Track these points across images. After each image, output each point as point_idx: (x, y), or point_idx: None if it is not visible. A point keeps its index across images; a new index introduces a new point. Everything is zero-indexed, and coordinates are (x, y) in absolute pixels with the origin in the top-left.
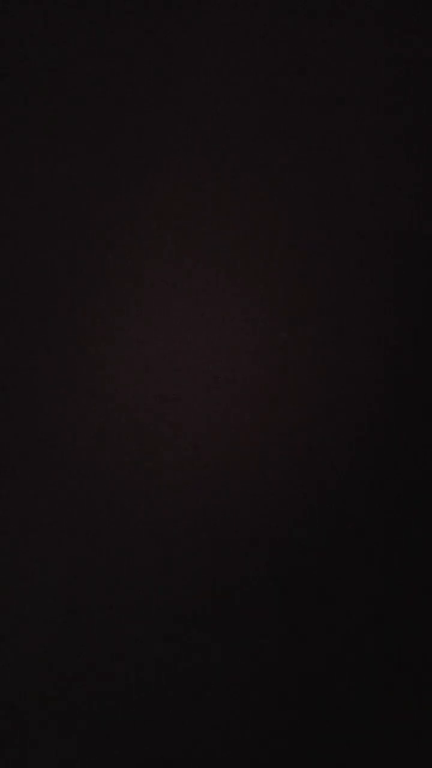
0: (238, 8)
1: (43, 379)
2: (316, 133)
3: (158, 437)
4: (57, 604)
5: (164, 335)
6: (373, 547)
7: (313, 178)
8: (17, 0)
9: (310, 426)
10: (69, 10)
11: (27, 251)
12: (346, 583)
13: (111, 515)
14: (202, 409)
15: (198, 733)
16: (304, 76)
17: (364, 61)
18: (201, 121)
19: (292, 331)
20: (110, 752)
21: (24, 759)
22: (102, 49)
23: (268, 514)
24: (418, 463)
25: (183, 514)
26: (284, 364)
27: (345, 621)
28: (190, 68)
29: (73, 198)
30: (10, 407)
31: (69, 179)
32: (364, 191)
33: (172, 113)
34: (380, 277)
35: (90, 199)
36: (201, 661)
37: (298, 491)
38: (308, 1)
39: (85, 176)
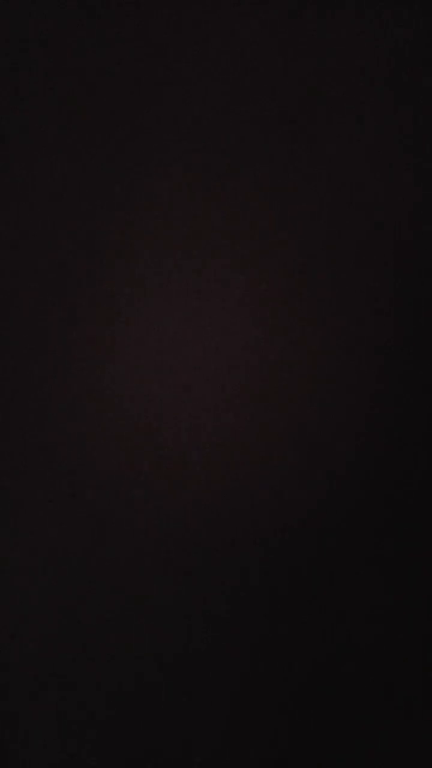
0: (238, 7)
1: (42, 380)
2: (316, 136)
3: (158, 438)
4: (56, 604)
5: (164, 336)
6: (373, 547)
7: (313, 180)
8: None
9: (311, 427)
10: (68, 9)
11: (26, 254)
12: (347, 583)
13: (111, 515)
14: (202, 410)
15: (198, 734)
16: (305, 75)
17: (364, 60)
18: (200, 121)
19: (293, 332)
20: (110, 752)
21: (24, 759)
22: (101, 49)
23: (268, 513)
24: (419, 462)
25: (183, 514)
26: (285, 364)
27: (345, 621)
28: (190, 68)
29: (72, 198)
30: (10, 408)
31: (68, 181)
32: (364, 192)
33: (171, 113)
34: (380, 278)
35: (89, 201)
36: (201, 661)
37: (299, 491)
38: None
39: (84, 177)
